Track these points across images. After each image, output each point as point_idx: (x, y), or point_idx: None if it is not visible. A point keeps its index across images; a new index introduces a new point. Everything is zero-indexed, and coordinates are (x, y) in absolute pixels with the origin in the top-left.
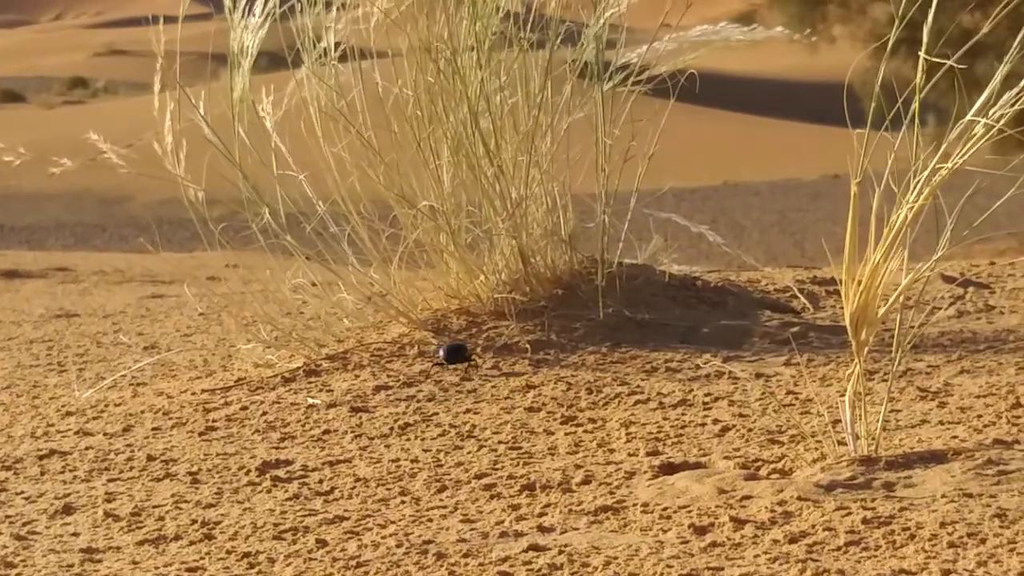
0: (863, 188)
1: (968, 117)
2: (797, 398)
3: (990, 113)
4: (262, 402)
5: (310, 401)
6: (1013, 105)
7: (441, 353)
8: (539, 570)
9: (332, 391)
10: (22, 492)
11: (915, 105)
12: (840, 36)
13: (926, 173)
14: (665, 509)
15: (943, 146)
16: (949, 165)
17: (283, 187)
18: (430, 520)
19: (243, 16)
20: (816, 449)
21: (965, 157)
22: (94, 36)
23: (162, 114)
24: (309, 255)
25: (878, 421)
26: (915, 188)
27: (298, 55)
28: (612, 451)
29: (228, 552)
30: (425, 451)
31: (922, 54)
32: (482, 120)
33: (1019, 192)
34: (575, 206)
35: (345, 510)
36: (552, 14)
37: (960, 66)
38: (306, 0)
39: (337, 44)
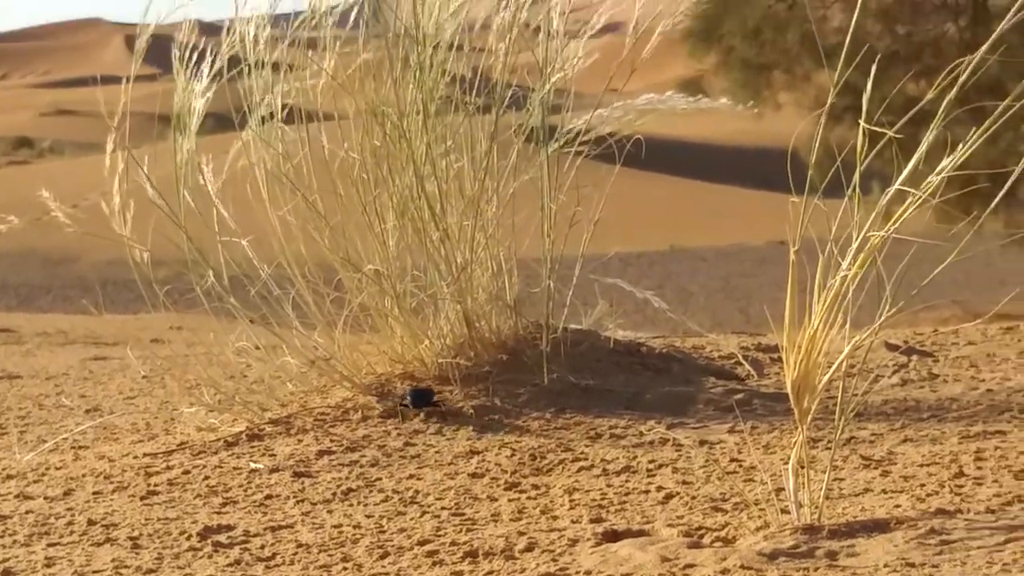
0: (810, 255)
1: (895, 186)
2: (741, 465)
3: (925, 181)
4: (204, 466)
5: (252, 466)
6: (940, 174)
7: (408, 397)
8: None
9: (275, 455)
10: None
11: (856, 173)
12: (786, 103)
13: (857, 242)
14: None
15: (872, 214)
16: (878, 234)
17: (227, 250)
18: None
19: (190, 78)
20: (760, 517)
21: (893, 226)
22: (40, 96)
23: (112, 175)
24: (253, 318)
25: (821, 489)
26: (849, 256)
27: (244, 117)
28: (555, 518)
29: None
30: (368, 517)
31: (862, 123)
32: (428, 184)
33: (962, 260)
34: (520, 271)
35: None
36: (499, 78)
37: (899, 136)
38: (253, 62)
39: (284, 106)
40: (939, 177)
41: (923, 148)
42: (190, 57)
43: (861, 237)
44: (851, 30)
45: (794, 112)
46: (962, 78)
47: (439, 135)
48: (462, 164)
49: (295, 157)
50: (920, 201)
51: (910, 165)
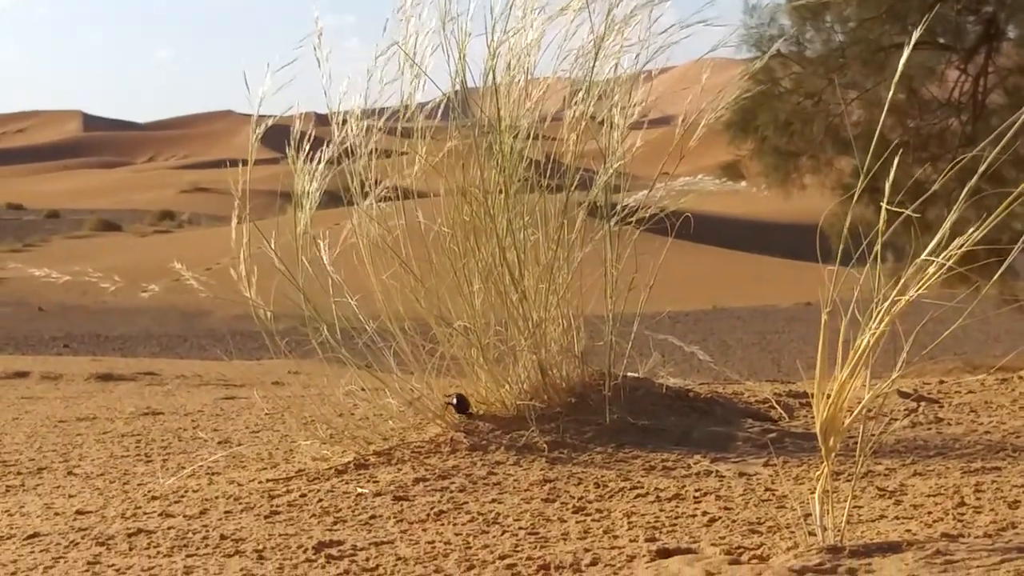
0: (833, 314)
1: (922, 257)
2: (774, 494)
3: (941, 254)
4: (318, 490)
5: (359, 490)
6: (961, 247)
7: (455, 400)
8: None
9: (378, 482)
10: (113, 564)
11: (877, 246)
12: (810, 184)
13: (886, 304)
14: None
15: (900, 281)
16: (905, 298)
17: (338, 308)
18: None
19: (305, 163)
20: (790, 539)
21: (920, 291)
22: (181, 176)
23: (238, 244)
24: (360, 365)
25: (843, 515)
26: (876, 317)
27: (351, 194)
28: (616, 537)
29: None
30: (456, 535)
31: (884, 204)
32: (508, 253)
33: (965, 321)
34: (586, 327)
35: None
36: (569, 163)
37: (916, 215)
38: (359, 148)
39: (384, 187)
40: (958, 251)
41: (946, 227)
42: (301, 145)
43: (889, 302)
44: (880, 126)
45: (817, 192)
46: (979, 172)
47: (518, 212)
48: (537, 236)
49: (395, 230)
50: (940, 273)
51: (934, 242)
